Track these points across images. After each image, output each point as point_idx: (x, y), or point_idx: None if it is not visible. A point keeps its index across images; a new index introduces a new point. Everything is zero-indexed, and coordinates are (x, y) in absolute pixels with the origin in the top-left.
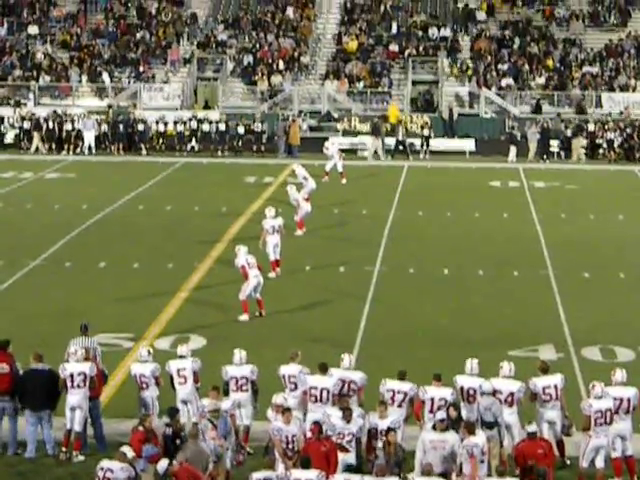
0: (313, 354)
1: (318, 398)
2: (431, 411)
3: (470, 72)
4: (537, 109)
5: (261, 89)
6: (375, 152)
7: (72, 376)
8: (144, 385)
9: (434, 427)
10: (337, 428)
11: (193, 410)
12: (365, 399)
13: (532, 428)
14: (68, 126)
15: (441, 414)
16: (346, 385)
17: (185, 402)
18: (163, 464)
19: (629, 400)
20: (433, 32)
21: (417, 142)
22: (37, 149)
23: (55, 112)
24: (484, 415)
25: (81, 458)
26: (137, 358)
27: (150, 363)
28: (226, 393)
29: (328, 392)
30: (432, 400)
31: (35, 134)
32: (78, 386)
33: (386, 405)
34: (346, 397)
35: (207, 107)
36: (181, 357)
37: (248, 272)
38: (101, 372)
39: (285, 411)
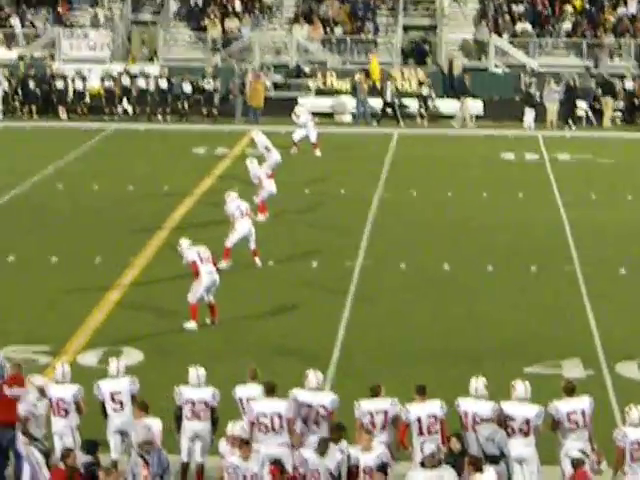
0: (278, 371)
1: (269, 427)
2: (421, 433)
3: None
4: (596, 63)
5: (213, 36)
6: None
7: None
8: (62, 412)
9: (423, 464)
10: (310, 464)
11: (130, 443)
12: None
13: (575, 454)
14: None
15: (430, 447)
16: (313, 410)
17: (121, 433)
18: None
19: None
20: None
21: (411, 103)
22: None
23: None
24: (485, 447)
25: None
26: (54, 378)
27: (70, 384)
28: (177, 420)
29: (281, 418)
30: (419, 420)
31: None
32: None
33: (371, 435)
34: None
35: (151, 60)
36: (113, 377)
37: (200, 269)
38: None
39: (243, 444)
